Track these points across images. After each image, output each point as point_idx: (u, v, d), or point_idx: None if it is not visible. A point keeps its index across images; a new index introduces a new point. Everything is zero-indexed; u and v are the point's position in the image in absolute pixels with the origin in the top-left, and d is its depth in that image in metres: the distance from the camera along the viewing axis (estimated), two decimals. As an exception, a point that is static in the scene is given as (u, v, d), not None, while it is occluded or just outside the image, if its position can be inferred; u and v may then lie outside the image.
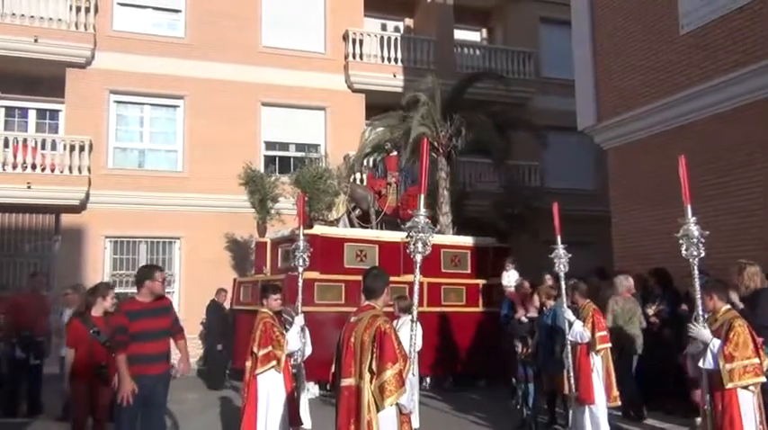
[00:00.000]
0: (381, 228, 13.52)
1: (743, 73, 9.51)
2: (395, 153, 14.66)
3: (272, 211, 13.98)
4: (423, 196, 4.61)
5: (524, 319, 9.21)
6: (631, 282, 9.10)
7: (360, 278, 11.57)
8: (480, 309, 13.04)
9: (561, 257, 7.60)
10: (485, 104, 15.78)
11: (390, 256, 12.04)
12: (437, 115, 14.80)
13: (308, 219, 12.47)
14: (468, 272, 13.37)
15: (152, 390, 5.83)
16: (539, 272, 12.38)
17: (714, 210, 9.50)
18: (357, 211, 13.84)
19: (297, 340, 6.39)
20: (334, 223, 13.24)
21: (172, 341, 6.21)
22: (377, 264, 11.92)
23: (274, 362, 6.25)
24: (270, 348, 6.24)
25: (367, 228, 13.37)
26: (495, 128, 14.76)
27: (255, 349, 6.26)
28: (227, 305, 13.53)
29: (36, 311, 9.52)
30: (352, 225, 13.45)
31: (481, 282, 13.30)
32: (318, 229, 12.00)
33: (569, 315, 7.49)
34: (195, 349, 14.46)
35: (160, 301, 6.10)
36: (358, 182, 15.46)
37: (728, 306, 5.42)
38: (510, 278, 12.21)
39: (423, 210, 4.49)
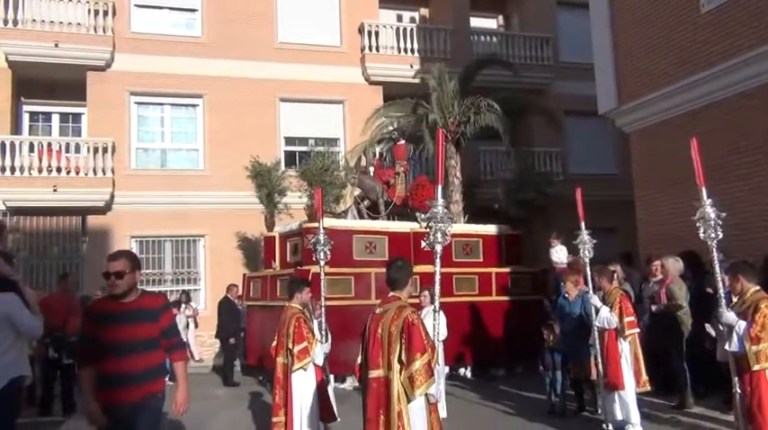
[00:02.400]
0: (393, 219, 13.43)
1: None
2: (402, 142, 14.49)
3: (280, 205, 13.91)
4: (440, 186, 4.60)
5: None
6: (681, 264, 8.93)
7: (369, 270, 11.53)
8: (494, 297, 12.89)
9: (586, 243, 7.55)
10: (500, 91, 15.66)
11: (400, 247, 11.96)
12: (445, 102, 14.69)
13: (315, 212, 12.42)
14: (481, 260, 13.17)
15: (129, 426, 4.24)
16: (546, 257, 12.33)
17: (740, 191, 9.36)
18: (366, 202, 13.66)
19: (321, 358, 6.43)
20: (342, 215, 13.12)
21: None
22: (386, 255, 11.92)
23: (309, 358, 6.27)
24: (305, 343, 6.25)
25: (377, 218, 13.22)
26: (506, 114, 14.61)
27: (291, 345, 6.26)
28: (238, 301, 13.45)
29: (67, 312, 9.66)
30: (361, 216, 13.28)
31: (494, 270, 13.15)
32: (326, 222, 11.88)
33: (596, 301, 7.46)
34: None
35: (140, 302, 4.40)
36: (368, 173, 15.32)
37: (757, 287, 5.32)
38: (559, 254, 11.91)
39: (440, 200, 4.47)
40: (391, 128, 15.25)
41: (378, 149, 16.09)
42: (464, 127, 14.62)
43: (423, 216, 13.02)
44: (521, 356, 12.68)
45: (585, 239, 7.56)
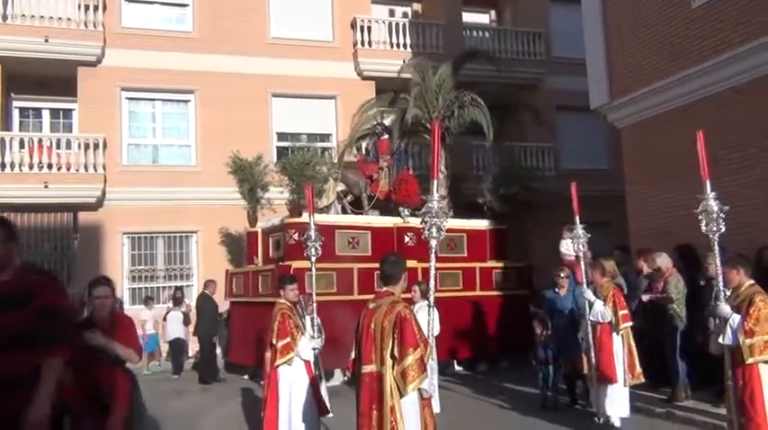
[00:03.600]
0: (383, 213, 13.33)
1: (759, 44, 9.34)
2: (386, 137, 14.40)
3: (263, 201, 13.78)
4: (436, 181, 4.60)
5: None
6: (668, 258, 8.89)
7: (351, 265, 11.42)
8: (477, 292, 12.91)
9: (580, 238, 7.59)
10: (489, 85, 15.60)
11: (383, 242, 11.94)
12: (429, 97, 14.64)
13: (296, 207, 12.31)
14: (465, 255, 13.19)
15: None
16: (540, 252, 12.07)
17: (732, 185, 9.39)
18: (349, 197, 13.58)
19: (310, 353, 6.42)
20: (325, 210, 12.99)
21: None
22: (369, 251, 11.88)
23: (293, 354, 6.28)
24: (288, 339, 6.27)
25: (360, 213, 13.14)
26: (493, 109, 14.55)
27: (275, 340, 6.28)
28: (216, 297, 13.27)
29: None
30: (344, 211, 13.20)
31: (478, 265, 13.16)
32: (308, 217, 11.75)
33: (589, 295, 7.49)
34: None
35: (11, 283, 3.30)
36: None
37: (751, 281, 5.36)
38: (569, 246, 11.88)
39: (436, 195, 4.48)
40: (375, 122, 15.18)
41: (364, 144, 15.98)
42: (448, 121, 14.56)
43: (406, 211, 13.04)
44: (505, 351, 12.80)
45: (580, 234, 7.60)
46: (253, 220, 13.65)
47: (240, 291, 12.93)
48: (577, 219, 7.62)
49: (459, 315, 12.11)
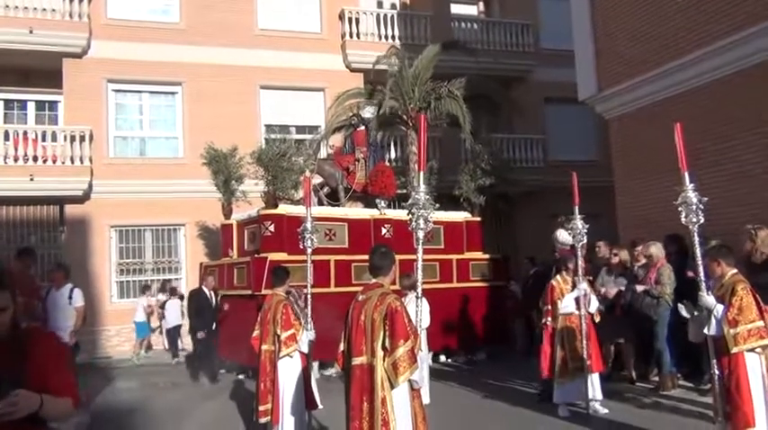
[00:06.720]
0: (369, 207, 13.25)
1: (746, 34, 9.38)
2: (362, 128, 14.28)
3: (238, 192, 13.68)
4: (422, 173, 4.59)
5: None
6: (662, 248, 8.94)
7: (328, 258, 11.34)
8: (455, 284, 12.91)
9: (579, 229, 7.64)
10: (471, 77, 15.56)
11: (360, 234, 11.90)
12: (405, 88, 14.59)
13: (272, 199, 12.22)
14: (442, 247, 13.15)
15: None
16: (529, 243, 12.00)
17: (713, 177, 9.45)
18: (326, 189, 13.48)
19: (306, 346, 6.43)
20: (301, 202, 12.87)
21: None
22: (346, 243, 11.86)
23: (296, 345, 6.29)
24: (293, 330, 6.28)
25: (336, 205, 13.06)
26: (474, 100, 14.46)
27: (279, 331, 6.28)
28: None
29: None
30: (321, 203, 13.01)
31: (455, 257, 13.17)
32: (284, 209, 11.71)
33: (586, 287, 7.64)
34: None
35: None
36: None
37: (734, 270, 5.38)
38: (564, 235, 11.87)
39: (423, 187, 4.48)
40: (351, 114, 15.10)
41: (339, 136, 15.81)
42: (424, 113, 14.51)
43: (383, 203, 12.97)
44: (484, 342, 12.91)
45: (579, 225, 7.66)
46: (228, 212, 13.46)
47: (215, 284, 12.83)
48: (576, 209, 7.67)
49: (437, 307, 12.11)
